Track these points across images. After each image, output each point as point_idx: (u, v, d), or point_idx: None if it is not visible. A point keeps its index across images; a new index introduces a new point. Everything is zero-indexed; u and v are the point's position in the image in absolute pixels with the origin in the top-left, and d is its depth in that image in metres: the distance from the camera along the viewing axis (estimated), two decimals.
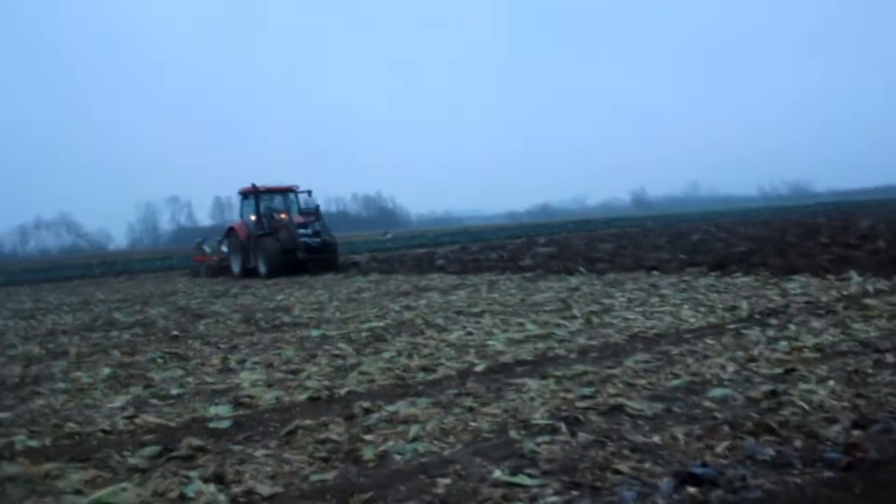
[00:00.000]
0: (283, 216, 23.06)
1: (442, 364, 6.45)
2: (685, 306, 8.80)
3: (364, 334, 8.49)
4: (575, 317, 8.58)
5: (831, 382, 4.94)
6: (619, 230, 40.50)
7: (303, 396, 5.66)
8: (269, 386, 6.12)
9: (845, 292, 9.21)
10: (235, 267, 23.80)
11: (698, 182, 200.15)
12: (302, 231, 22.22)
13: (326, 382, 6.07)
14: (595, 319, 8.29)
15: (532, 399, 4.99)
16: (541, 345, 7.01)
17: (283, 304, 12.79)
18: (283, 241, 21.95)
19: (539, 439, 4.15)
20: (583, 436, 4.18)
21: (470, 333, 7.95)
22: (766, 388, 4.87)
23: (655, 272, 13.25)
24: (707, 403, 4.64)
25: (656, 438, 4.05)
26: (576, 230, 47.43)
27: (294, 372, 6.64)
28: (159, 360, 7.76)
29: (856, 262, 12.06)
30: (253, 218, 23.51)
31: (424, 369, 6.31)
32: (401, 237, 55.73)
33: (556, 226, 62.11)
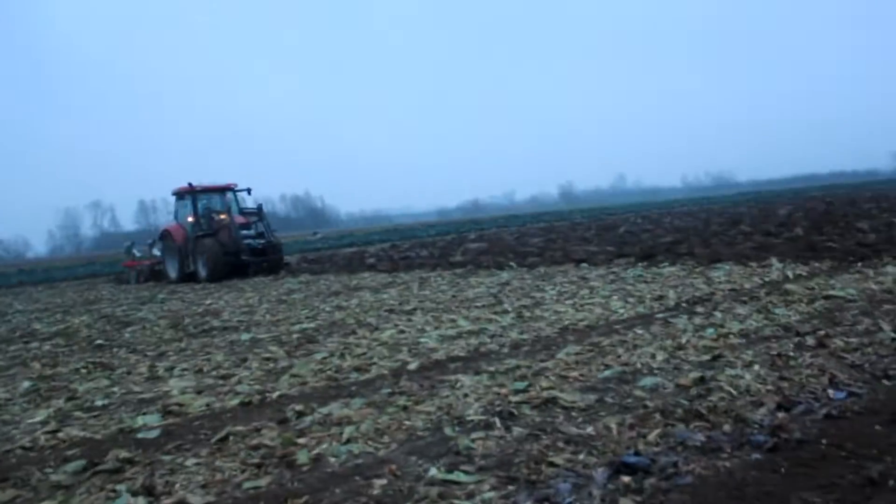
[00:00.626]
0: (223, 216, 21.88)
1: (375, 363, 6.41)
2: (614, 297, 8.93)
3: (295, 336, 8.38)
4: (506, 311, 8.63)
5: (756, 367, 5.08)
6: (547, 224, 40.94)
7: (234, 402, 5.54)
8: (199, 392, 5.98)
9: (767, 279, 9.49)
10: (172, 272, 22.52)
11: (624, 175, 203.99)
12: (245, 232, 21.28)
13: (258, 387, 5.97)
14: (526, 313, 8.35)
15: (466, 395, 4.99)
16: (473, 340, 7.03)
17: (213, 309, 12.54)
18: (224, 243, 20.97)
19: (474, 435, 4.15)
20: (517, 430, 4.20)
21: (402, 332, 7.92)
22: (695, 374, 4.97)
23: (584, 265, 13.44)
24: (638, 392, 4.72)
25: (590, 429, 4.09)
26: (505, 225, 47.73)
27: (224, 377, 6.51)
28: (83, 371, 7.49)
29: (776, 250, 12.45)
30: (190, 219, 22.24)
31: (357, 369, 6.26)
32: (331, 237, 55.24)
33: (485, 221, 62.45)
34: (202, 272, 21.03)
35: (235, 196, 23.22)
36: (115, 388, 6.48)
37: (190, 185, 22.44)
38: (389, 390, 5.39)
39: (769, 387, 4.58)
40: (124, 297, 18.33)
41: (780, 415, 4.01)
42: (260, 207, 22.15)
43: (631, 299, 8.68)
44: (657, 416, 4.20)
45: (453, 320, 8.33)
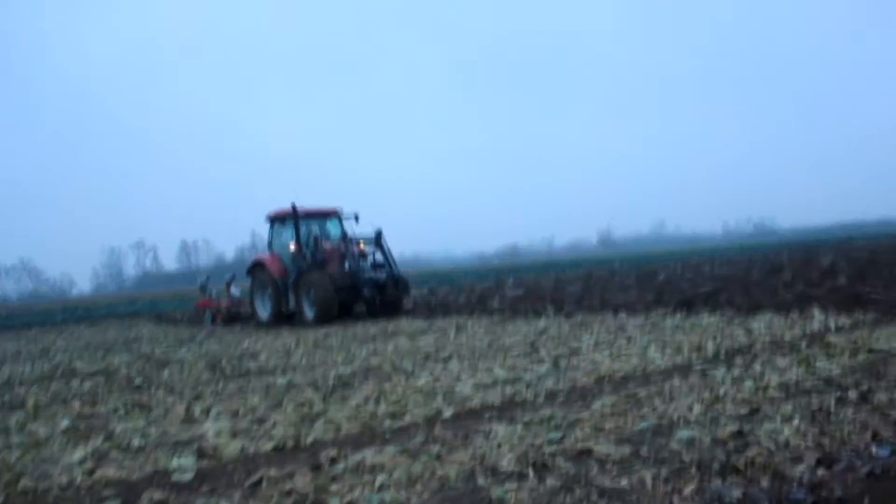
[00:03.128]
0: (334, 245, 18.86)
1: (409, 410, 6.39)
2: (652, 347, 8.84)
3: (331, 381, 8.40)
4: (542, 360, 8.58)
5: (796, 421, 4.98)
6: (586, 271, 40.74)
7: (268, 446, 5.57)
8: (234, 435, 6.01)
9: (808, 330, 9.34)
10: (263, 312, 19.54)
11: (664, 221, 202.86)
12: (362, 263, 18.54)
13: (292, 431, 5.98)
14: (562, 362, 8.29)
15: (499, 445, 4.96)
16: (508, 389, 6.99)
17: (250, 351, 12.65)
18: (335, 277, 17.95)
19: (507, 486, 4.12)
20: (551, 481, 4.15)
21: (437, 378, 7.90)
22: (733, 428, 4.88)
23: (622, 313, 13.33)
24: (674, 445, 4.64)
25: (624, 483, 4.04)
26: (544, 271, 47.59)
27: (259, 420, 6.54)
28: (121, 411, 7.59)
29: (818, 299, 12.25)
30: (292, 247, 18.99)
31: (392, 416, 6.25)
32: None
33: (524, 267, 62.37)
34: (308, 312, 18.05)
35: (341, 222, 20.26)
36: (152, 429, 6.55)
37: (293, 207, 18.98)
38: (423, 438, 5.37)
39: (809, 442, 4.49)
40: (164, 336, 18.54)
41: (820, 471, 3.92)
42: (379, 234, 18.84)
43: (668, 349, 8.59)
44: (693, 469, 4.13)
45: (489, 368, 8.30)
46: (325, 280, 17.78)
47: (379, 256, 18.76)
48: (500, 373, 7.92)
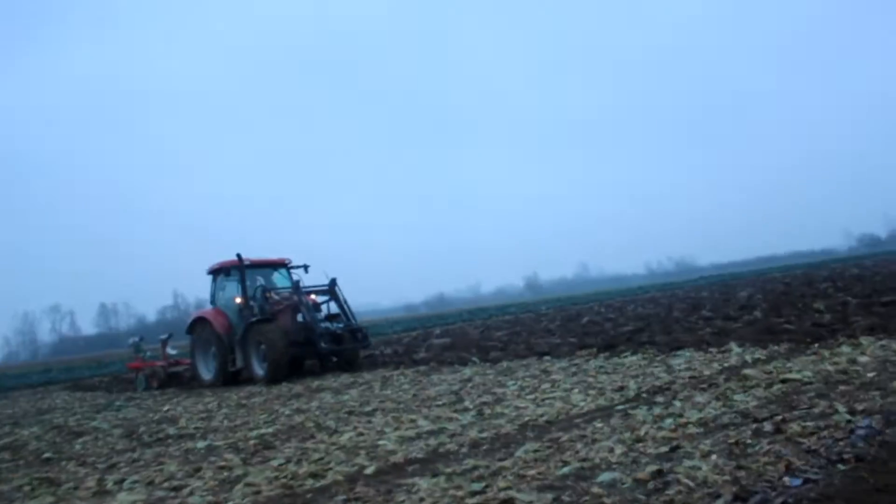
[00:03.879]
0: (289, 296, 17.70)
1: (331, 469, 6.24)
2: (575, 390, 8.87)
3: (252, 442, 8.18)
4: (467, 409, 8.52)
5: (714, 456, 5.04)
6: (513, 316, 40.98)
7: None
8: None
9: (726, 364, 9.52)
10: (205, 372, 18.26)
11: (587, 263, 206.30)
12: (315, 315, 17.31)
13: (210, 498, 5.78)
14: (487, 410, 8.25)
15: (422, 500, 4.88)
16: (432, 441, 6.91)
17: (170, 415, 12.24)
18: (288, 330, 16.77)
19: None
20: None
21: (361, 434, 7.76)
22: (653, 467, 4.91)
23: (547, 357, 13.39)
24: (595, 489, 4.64)
25: None
26: (471, 319, 47.69)
27: (176, 489, 6.29)
28: (27, 488, 7.19)
29: (735, 334, 12.55)
30: (238, 300, 17.90)
31: (313, 476, 6.09)
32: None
33: (451, 315, 62.37)
34: (258, 369, 16.81)
35: (289, 273, 19.25)
36: None
37: (239, 257, 17.98)
38: (345, 497, 5.25)
39: (726, 477, 4.54)
40: (79, 404, 17.81)
41: None
42: (334, 283, 17.74)
43: (592, 391, 8.63)
44: None
45: (413, 420, 8.19)
46: (277, 333, 16.52)
47: (333, 307, 17.71)
48: (424, 425, 7.83)
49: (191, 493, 6.03)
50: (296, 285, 17.64)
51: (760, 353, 10.11)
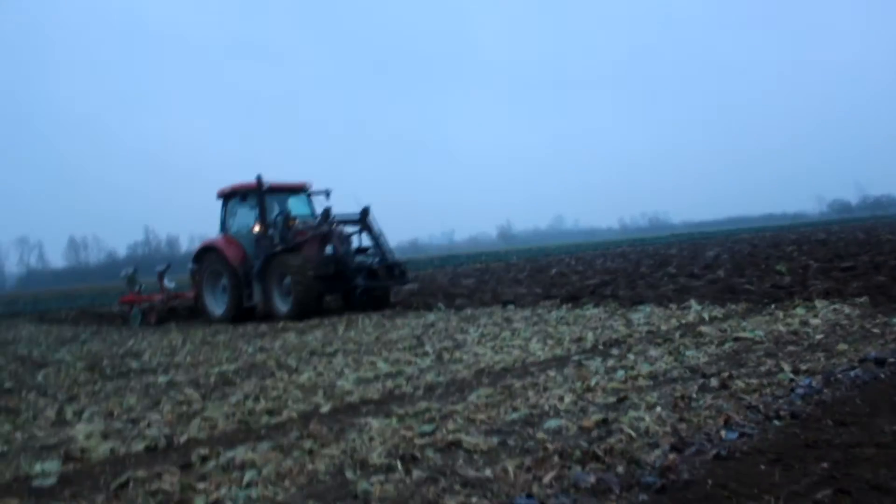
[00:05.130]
0: (318, 224, 16.01)
1: (288, 407, 6.35)
2: (534, 339, 9.03)
3: (213, 378, 8.27)
4: (427, 354, 8.66)
5: (658, 409, 5.19)
6: (483, 265, 41.18)
7: (140, 446, 5.44)
8: (106, 437, 5.84)
9: (684, 321, 9.71)
10: (215, 307, 16.86)
11: (563, 216, 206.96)
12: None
13: (167, 430, 5.86)
14: (446, 356, 8.39)
15: (371, 439, 4.99)
16: (389, 383, 7.03)
17: (134, 350, 12.29)
18: (316, 262, 15.33)
19: (374, 479, 4.16)
20: (417, 473, 4.21)
21: (320, 374, 7.88)
22: (598, 416, 5.06)
23: (511, 306, 13.56)
24: (541, 435, 4.77)
25: (488, 472, 4.13)
26: (442, 265, 47.86)
27: (134, 421, 6.38)
28: None
29: (697, 292, 12.76)
30: (257, 228, 16.26)
31: (269, 412, 6.20)
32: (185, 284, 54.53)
33: (422, 262, 62.50)
34: (280, 305, 15.43)
35: (309, 199, 17.66)
36: (18, 434, 6.29)
37: (258, 179, 16.12)
38: (298, 434, 5.36)
39: (667, 428, 4.69)
40: (44, 337, 17.78)
41: (672, 456, 4.11)
42: (366, 212, 15.97)
43: (550, 341, 8.79)
44: (556, 458, 4.26)
45: (373, 362, 8.32)
46: (304, 265, 15.14)
47: (365, 239, 16.19)
48: (383, 367, 7.95)
49: (148, 426, 6.12)
50: (326, 212, 15.94)
51: (718, 312, 10.32)
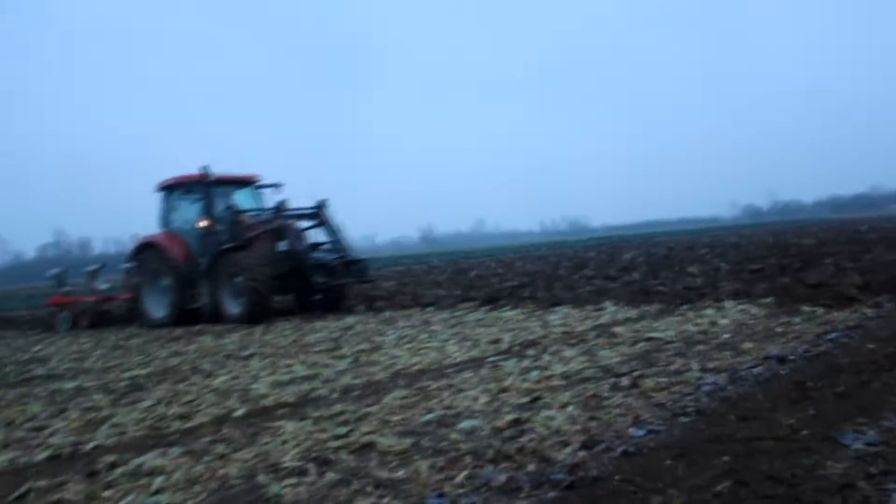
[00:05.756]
0: (270, 219, 14.98)
1: (201, 411, 6.24)
2: (451, 341, 9.06)
3: (123, 384, 8.06)
4: (344, 356, 8.61)
5: (570, 408, 5.28)
6: (404, 268, 41.14)
7: (42, 455, 5.27)
8: (6, 447, 5.63)
9: (599, 322, 9.88)
10: (156, 309, 15.42)
11: (484, 219, 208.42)
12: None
13: (73, 438, 5.68)
14: (363, 358, 8.36)
15: (285, 442, 4.94)
16: (305, 386, 6.97)
17: (41, 355, 11.87)
18: (271, 260, 14.37)
19: (286, 482, 4.12)
20: (330, 475, 4.19)
21: (236, 378, 7.76)
22: (512, 416, 5.11)
23: (430, 308, 13.58)
24: (454, 435, 4.80)
25: (401, 473, 4.14)
26: None
27: (38, 429, 6.16)
28: None
29: (612, 293, 12.99)
30: (204, 223, 15.05)
31: (181, 417, 6.08)
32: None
33: None
34: (230, 307, 14.17)
35: (256, 193, 16.44)
36: None
37: (204, 170, 15.04)
38: (210, 438, 5.27)
39: (578, 427, 4.77)
40: None
41: (581, 453, 4.19)
42: (322, 205, 15.03)
43: (467, 343, 8.84)
44: (468, 458, 4.29)
45: (289, 365, 8.24)
46: (257, 263, 14.02)
47: (320, 235, 15.19)
48: (299, 370, 7.88)
49: (52, 434, 5.92)
50: (280, 206, 14.94)
51: (632, 313, 10.54)
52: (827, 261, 14.52)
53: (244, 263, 14.00)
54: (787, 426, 4.44)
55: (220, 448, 4.94)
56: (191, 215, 15.77)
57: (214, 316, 14.66)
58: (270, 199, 16.05)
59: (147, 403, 6.77)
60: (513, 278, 19.60)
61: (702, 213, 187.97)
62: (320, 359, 8.56)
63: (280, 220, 14.79)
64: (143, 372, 8.81)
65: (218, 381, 7.60)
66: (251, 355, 9.40)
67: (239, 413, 6.06)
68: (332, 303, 15.26)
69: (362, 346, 9.28)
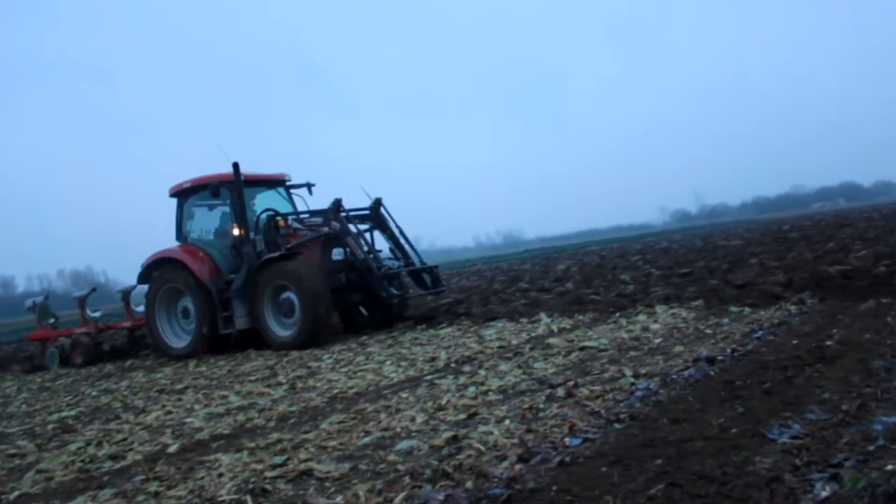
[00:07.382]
0: (323, 224, 12.77)
1: (133, 449, 6.08)
2: (388, 362, 9.02)
3: (51, 426, 7.81)
4: (280, 384, 8.50)
5: (507, 421, 5.30)
6: None
7: None
8: None
9: (534, 334, 9.96)
10: (173, 338, 13.07)
11: (419, 237, 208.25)
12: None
13: None
14: (300, 384, 8.27)
15: (221, 475, 4.84)
16: (241, 416, 6.85)
17: None
18: (327, 269, 12.36)
19: None
20: None
21: (169, 412, 7.59)
22: (449, 434, 5.11)
23: (366, 330, 13.49)
24: (392, 457, 4.78)
25: (339, 499, 4.09)
26: None
27: None
28: None
29: (546, 305, 13.09)
30: (236, 232, 12.57)
31: (113, 457, 5.90)
32: (114, 313, 52.06)
33: None
34: (278, 329, 11.97)
35: (289, 194, 14.08)
36: None
37: (236, 168, 12.38)
38: (143, 477, 5.13)
39: (515, 440, 4.79)
40: None
41: (518, 466, 4.20)
42: (378, 204, 13.31)
43: (404, 363, 8.81)
44: (407, 479, 4.26)
45: (224, 396, 8.09)
46: (313, 274, 11.83)
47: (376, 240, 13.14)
48: (234, 400, 7.76)
49: None
50: (336, 205, 12.63)
51: (566, 323, 10.65)
52: (753, 261, 14.88)
53: (295, 275, 11.76)
54: (717, 425, 4.53)
55: (153, 486, 4.82)
56: (209, 224, 13.61)
57: (251, 340, 12.66)
58: (302, 201, 13.97)
59: (76, 445, 6.56)
60: (448, 295, 19.61)
61: (634, 220, 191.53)
62: (256, 388, 8.43)
63: (333, 224, 12.56)
64: (72, 413, 8.55)
65: (151, 417, 7.42)
66: (185, 388, 9.21)
67: (173, 448, 5.91)
68: (390, 318, 13.37)
69: (298, 372, 9.18)
